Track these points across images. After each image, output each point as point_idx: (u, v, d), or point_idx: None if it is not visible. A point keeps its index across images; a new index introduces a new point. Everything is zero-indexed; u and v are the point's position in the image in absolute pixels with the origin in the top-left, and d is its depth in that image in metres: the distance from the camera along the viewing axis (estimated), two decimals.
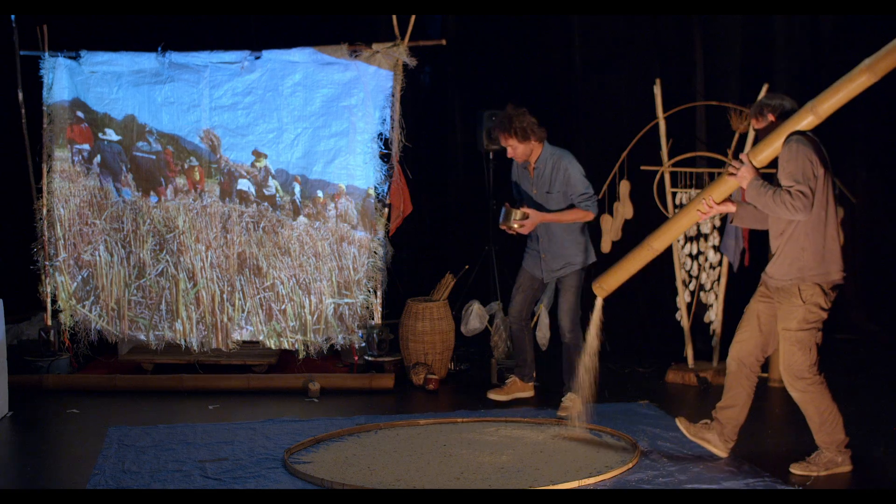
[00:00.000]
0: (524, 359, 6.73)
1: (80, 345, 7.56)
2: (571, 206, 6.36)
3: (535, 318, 7.32)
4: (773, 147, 5.02)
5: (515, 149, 6.36)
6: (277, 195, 7.33)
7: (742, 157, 5.09)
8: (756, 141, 5.18)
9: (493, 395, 6.77)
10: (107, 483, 5.09)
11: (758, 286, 5.34)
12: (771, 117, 5.12)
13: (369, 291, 7.25)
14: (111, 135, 7.44)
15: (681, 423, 5.49)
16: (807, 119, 4.91)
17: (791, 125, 4.96)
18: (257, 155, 7.33)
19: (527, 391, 6.78)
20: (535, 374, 6.84)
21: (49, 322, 7.56)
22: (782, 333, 5.10)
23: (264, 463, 5.42)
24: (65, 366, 7.47)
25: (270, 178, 7.35)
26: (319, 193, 7.29)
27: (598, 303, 5.59)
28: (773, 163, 5.09)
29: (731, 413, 5.38)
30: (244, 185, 7.36)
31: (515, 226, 6.30)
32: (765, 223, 5.26)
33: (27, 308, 8.49)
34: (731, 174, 5.09)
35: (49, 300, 7.52)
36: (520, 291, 6.65)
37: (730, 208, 5.28)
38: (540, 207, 6.42)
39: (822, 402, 5.08)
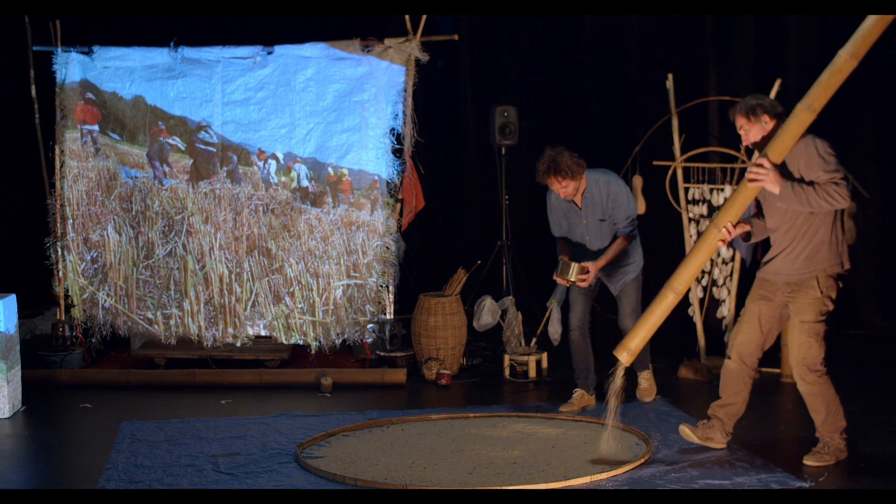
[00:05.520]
0: (587, 369, 6.52)
1: (93, 339, 7.58)
2: (615, 237, 6.24)
3: (546, 314, 7.31)
4: (786, 148, 4.98)
5: (567, 187, 6.10)
6: (288, 179, 7.34)
7: (762, 161, 4.96)
8: (759, 143, 5.10)
9: (565, 410, 6.44)
10: (119, 477, 5.10)
11: (754, 286, 5.35)
12: (766, 118, 5.10)
13: (378, 274, 7.25)
14: (178, 141, 7.44)
15: (685, 431, 5.49)
16: (810, 118, 4.93)
17: (798, 126, 4.94)
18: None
19: (592, 402, 6.53)
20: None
21: (62, 317, 7.58)
22: (800, 326, 5.11)
23: (276, 458, 5.43)
24: (78, 360, 7.50)
25: (281, 163, 7.36)
26: (330, 173, 7.31)
27: (620, 371, 5.45)
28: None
29: (732, 409, 5.44)
30: (256, 168, 7.38)
31: (574, 279, 6.11)
32: (767, 232, 5.29)
33: (40, 303, 8.51)
34: (754, 180, 4.98)
35: (62, 295, 7.54)
36: (578, 300, 6.45)
37: (746, 229, 5.22)
38: (595, 236, 6.30)
39: (828, 394, 5.17)
